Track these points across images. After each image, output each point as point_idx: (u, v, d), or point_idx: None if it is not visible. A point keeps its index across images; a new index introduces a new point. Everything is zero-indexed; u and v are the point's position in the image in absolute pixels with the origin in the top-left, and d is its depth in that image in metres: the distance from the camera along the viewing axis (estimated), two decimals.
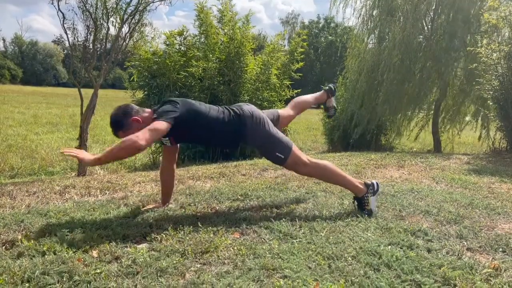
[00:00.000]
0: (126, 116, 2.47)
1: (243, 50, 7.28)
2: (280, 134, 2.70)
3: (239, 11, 8.10)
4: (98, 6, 4.82)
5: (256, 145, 2.83)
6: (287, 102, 8.29)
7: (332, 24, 48.97)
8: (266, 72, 7.52)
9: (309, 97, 3.31)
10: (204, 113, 2.55)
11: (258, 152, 2.96)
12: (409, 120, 9.56)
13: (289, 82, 8.08)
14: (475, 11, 7.79)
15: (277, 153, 2.61)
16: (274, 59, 7.65)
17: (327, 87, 3.30)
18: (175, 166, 2.87)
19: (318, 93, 3.34)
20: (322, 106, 3.42)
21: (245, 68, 7.33)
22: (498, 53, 6.29)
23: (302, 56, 8.25)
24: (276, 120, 2.94)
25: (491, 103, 6.80)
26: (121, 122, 2.47)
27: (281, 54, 7.86)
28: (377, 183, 2.69)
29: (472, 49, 6.88)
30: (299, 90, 8.27)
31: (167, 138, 2.53)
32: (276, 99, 7.79)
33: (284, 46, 8.56)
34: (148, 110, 2.57)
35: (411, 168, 4.56)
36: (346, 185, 2.74)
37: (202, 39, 7.58)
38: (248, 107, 2.69)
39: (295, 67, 8.14)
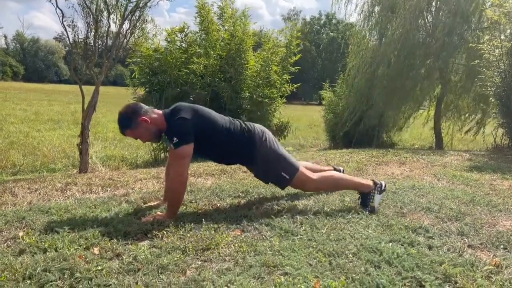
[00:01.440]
0: (135, 115, 2.46)
1: (243, 47, 7.27)
2: (288, 155, 2.73)
3: (239, 7, 8.08)
4: (98, 3, 4.80)
5: (261, 163, 2.70)
6: (288, 98, 8.36)
7: (334, 21, 48.87)
8: (267, 68, 7.51)
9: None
10: (215, 122, 2.56)
11: (260, 175, 2.89)
12: (408, 116, 9.55)
13: (288, 77, 8.08)
14: (474, 7, 7.76)
15: (282, 173, 2.65)
16: (274, 55, 7.64)
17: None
18: None
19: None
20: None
21: (246, 65, 7.32)
22: (500, 49, 6.26)
23: (298, 49, 8.23)
24: None
25: (493, 100, 6.78)
26: (129, 121, 2.47)
27: (281, 49, 7.84)
28: (385, 184, 2.74)
29: (474, 45, 6.85)
30: (299, 84, 8.30)
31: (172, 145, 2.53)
32: (276, 95, 7.79)
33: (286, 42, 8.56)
34: (158, 111, 2.55)
35: (412, 165, 4.56)
36: (356, 187, 2.76)
37: (203, 36, 7.57)
38: (260, 126, 2.75)
39: (292, 61, 8.14)
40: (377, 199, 2.65)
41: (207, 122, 2.55)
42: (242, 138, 2.61)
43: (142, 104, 2.60)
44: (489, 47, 6.38)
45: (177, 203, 2.47)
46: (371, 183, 2.71)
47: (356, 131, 9.00)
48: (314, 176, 2.71)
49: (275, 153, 2.66)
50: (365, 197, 2.67)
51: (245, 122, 2.72)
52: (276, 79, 7.65)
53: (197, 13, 7.54)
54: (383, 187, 2.70)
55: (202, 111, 2.59)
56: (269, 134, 2.73)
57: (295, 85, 8.17)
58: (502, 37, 6.58)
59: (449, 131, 9.44)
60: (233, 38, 7.28)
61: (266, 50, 7.68)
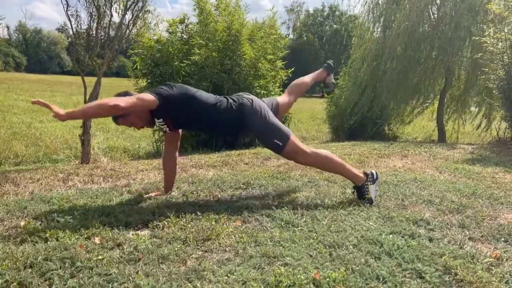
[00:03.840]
0: None
1: (239, 38, 7.22)
2: (279, 123, 2.71)
3: None
4: None
5: (255, 133, 2.85)
6: (285, 86, 8.31)
7: (337, 13, 48.62)
8: (260, 58, 7.46)
9: (306, 78, 3.30)
10: (199, 98, 2.54)
11: (258, 140, 3.00)
12: (412, 110, 9.50)
13: (282, 63, 8.04)
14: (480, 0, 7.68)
15: (275, 140, 2.61)
16: (267, 44, 7.59)
17: (326, 64, 3.35)
18: (177, 154, 2.88)
19: (315, 73, 3.35)
20: (321, 84, 3.49)
21: (244, 56, 7.28)
22: (504, 42, 6.21)
23: (279, 32, 8.22)
24: (276, 108, 2.92)
25: (496, 93, 6.74)
26: None
27: (272, 36, 7.81)
28: (376, 172, 2.70)
29: (477, 38, 6.80)
30: (293, 69, 8.25)
31: (161, 121, 2.55)
32: (273, 84, 7.76)
33: (289, 35, 8.52)
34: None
35: (414, 157, 4.55)
36: (345, 174, 2.73)
37: (202, 27, 7.53)
38: (248, 96, 2.70)
39: (281, 45, 8.10)
40: (372, 189, 2.63)
41: (192, 95, 2.53)
42: (231, 113, 2.59)
43: (132, 92, 2.62)
44: (493, 40, 6.32)
45: (89, 114, 2.69)
46: (362, 175, 2.68)
47: (358, 123, 8.95)
48: (308, 149, 2.67)
49: (265, 121, 2.62)
50: (360, 190, 2.66)
51: (233, 97, 2.69)
52: (268, 68, 7.57)
53: (194, 5, 7.49)
54: (375, 177, 2.66)
55: (187, 86, 2.60)
56: (259, 102, 2.68)
57: (290, 70, 8.14)
58: (506, 30, 6.52)
59: (452, 124, 9.39)
60: (228, 29, 7.23)
61: (258, 40, 7.60)
